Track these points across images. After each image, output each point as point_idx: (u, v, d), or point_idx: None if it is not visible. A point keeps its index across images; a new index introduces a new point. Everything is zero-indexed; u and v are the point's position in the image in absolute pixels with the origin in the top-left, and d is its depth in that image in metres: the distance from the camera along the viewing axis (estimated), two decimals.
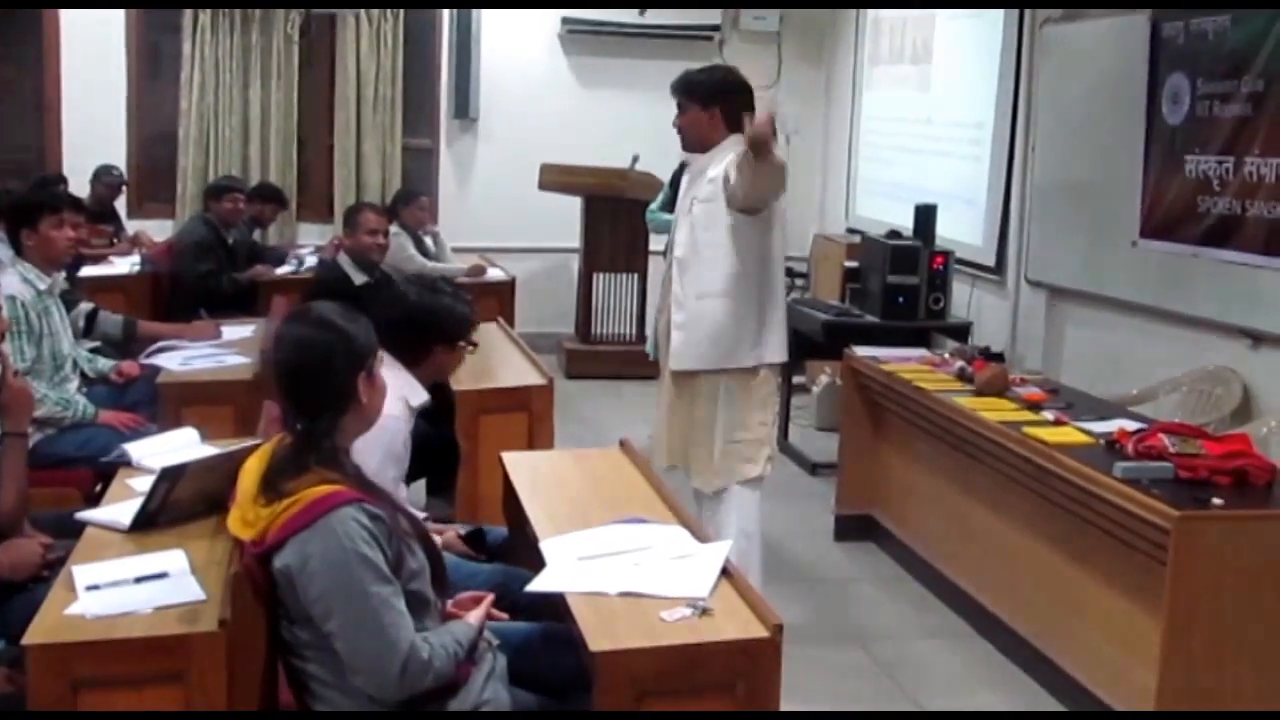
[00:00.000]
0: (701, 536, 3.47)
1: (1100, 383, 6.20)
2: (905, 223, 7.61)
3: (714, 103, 4.82)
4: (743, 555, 4.64)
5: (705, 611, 2.97)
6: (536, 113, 10.57)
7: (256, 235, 9.24)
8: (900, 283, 7.00)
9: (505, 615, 3.20)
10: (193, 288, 8.06)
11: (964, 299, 7.99)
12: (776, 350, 4.92)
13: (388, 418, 3.37)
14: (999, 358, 6.00)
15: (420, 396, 3.92)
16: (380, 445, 3.54)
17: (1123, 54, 6.62)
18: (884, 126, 9.76)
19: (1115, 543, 4.23)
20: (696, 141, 4.90)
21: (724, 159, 4.73)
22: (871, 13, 9.92)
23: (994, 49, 7.99)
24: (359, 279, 6.57)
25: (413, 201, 8.91)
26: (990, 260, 8.01)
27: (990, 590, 5.19)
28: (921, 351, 6.30)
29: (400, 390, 3.74)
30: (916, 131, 9.11)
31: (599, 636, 2.85)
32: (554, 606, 3.16)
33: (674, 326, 4.91)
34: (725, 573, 3.18)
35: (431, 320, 3.97)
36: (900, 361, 6.02)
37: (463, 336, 4.05)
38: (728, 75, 4.98)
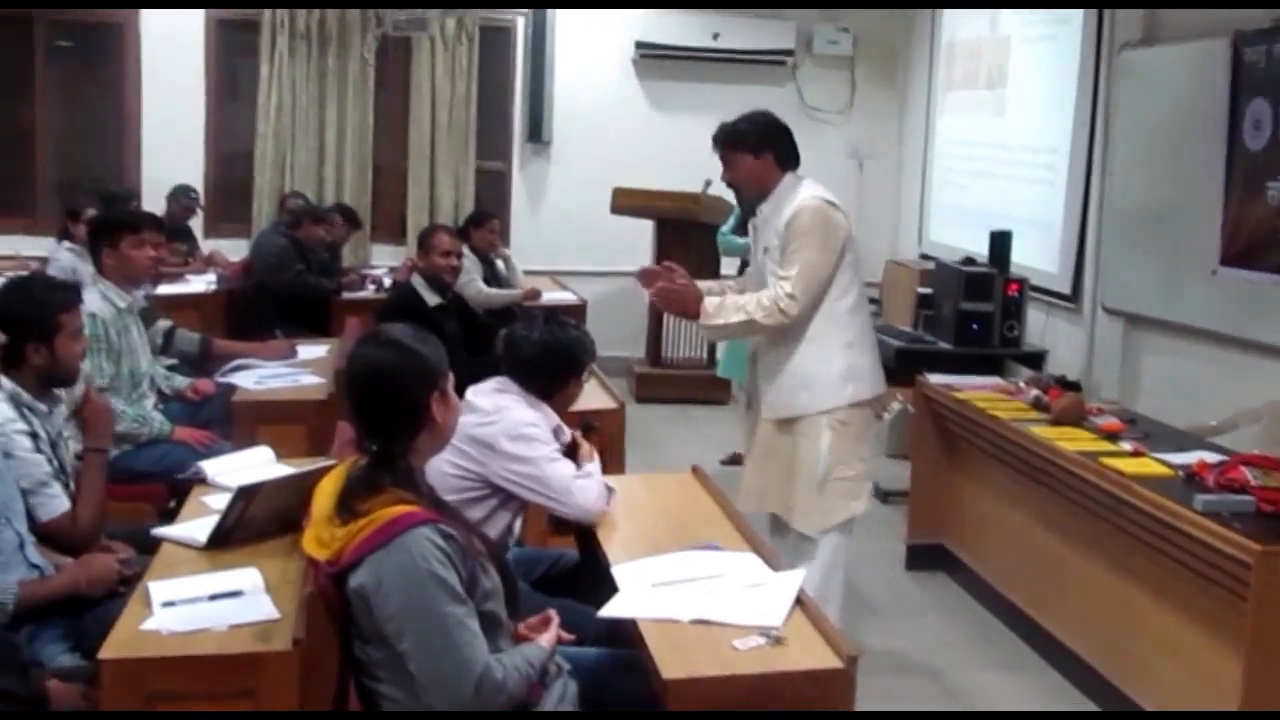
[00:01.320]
0: (774, 565, 3.44)
1: (1178, 413, 6.10)
2: (979, 249, 7.54)
3: (765, 148, 4.74)
4: (827, 592, 4.61)
5: (778, 640, 2.94)
6: (609, 136, 10.60)
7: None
8: (974, 309, 6.94)
9: (573, 637, 3.19)
10: (283, 290, 8.18)
11: (1038, 326, 7.90)
12: (871, 383, 4.82)
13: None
14: (1075, 386, 5.92)
15: (562, 430, 4.05)
16: None
17: (1203, 79, 6.53)
18: (958, 151, 9.70)
19: (1194, 576, 4.16)
20: (754, 190, 4.82)
21: (788, 203, 4.67)
22: (946, 37, 9.87)
23: (1070, 74, 7.92)
24: (432, 300, 6.60)
25: (484, 224, 8.96)
26: (1065, 287, 7.92)
27: (1063, 622, 5.11)
28: (995, 379, 6.23)
29: (550, 423, 3.97)
30: (991, 156, 9.05)
31: (671, 664, 2.83)
32: (625, 632, 3.15)
33: (761, 377, 4.84)
34: (798, 602, 3.15)
35: (566, 355, 4.09)
36: (974, 389, 5.95)
37: (590, 362, 4.19)
38: (769, 117, 4.87)
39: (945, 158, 9.94)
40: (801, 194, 4.67)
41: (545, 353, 4.05)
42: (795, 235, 4.59)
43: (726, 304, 4.72)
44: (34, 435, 3.77)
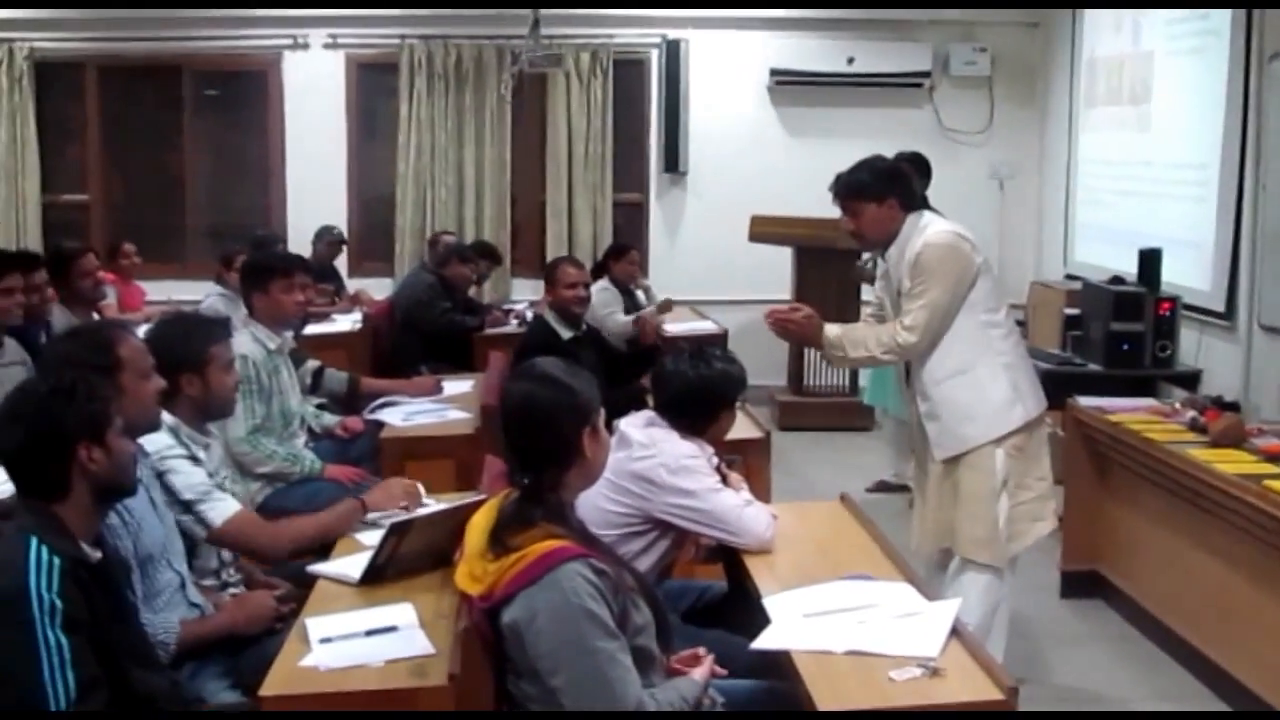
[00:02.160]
0: (929, 594, 3.38)
1: None
2: (1126, 268, 7.38)
3: (888, 194, 4.68)
4: (990, 624, 4.58)
5: (936, 672, 2.89)
6: (745, 164, 10.59)
7: (471, 291, 9.43)
8: (1124, 330, 6.80)
9: (725, 671, 3.16)
10: (430, 329, 8.35)
11: (1191, 346, 7.70)
12: (1033, 402, 4.72)
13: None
14: (1233, 407, 5.76)
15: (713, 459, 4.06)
16: None
17: None
18: (1102, 169, 9.52)
19: None
20: (880, 238, 4.76)
21: (913, 242, 4.62)
22: (1086, 53, 9.70)
23: (1218, 87, 7.72)
24: (566, 334, 6.59)
25: (623, 256, 9.00)
26: (1219, 305, 7.70)
27: (1229, 650, 4.94)
28: (1149, 401, 6.07)
29: (706, 454, 4.00)
30: (1136, 174, 8.85)
31: (826, 696, 2.80)
32: (777, 665, 3.12)
33: (924, 417, 4.74)
34: (955, 632, 3.09)
35: (716, 389, 4.08)
36: (1127, 412, 5.81)
37: (740, 394, 4.18)
38: (887, 163, 4.85)
39: (1089, 176, 9.75)
40: (926, 230, 4.62)
41: (695, 389, 4.05)
42: (920, 271, 4.56)
43: (848, 337, 4.72)
44: (193, 459, 3.85)
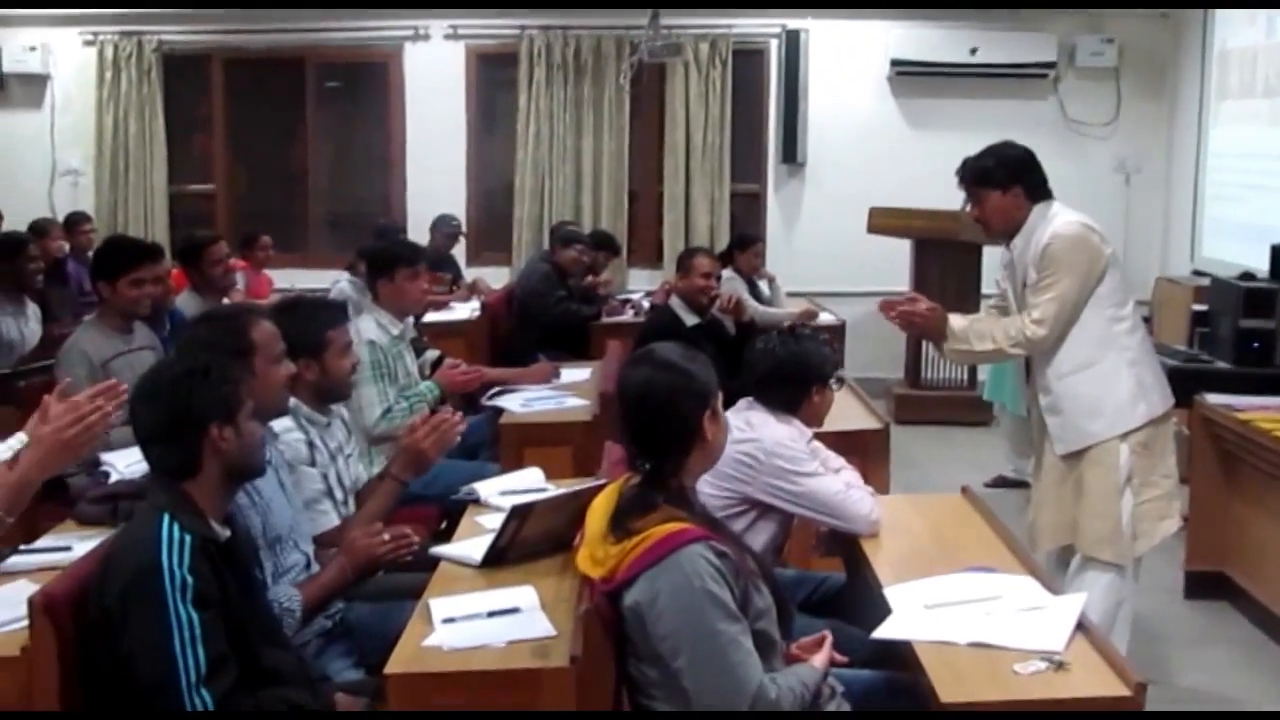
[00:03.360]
0: (1053, 588, 3.33)
1: None
2: (1257, 264, 7.20)
3: (1013, 182, 4.61)
4: (1113, 621, 4.50)
5: (1061, 665, 2.85)
6: (864, 155, 10.51)
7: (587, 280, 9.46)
8: (1255, 327, 6.61)
9: (845, 659, 3.13)
10: (545, 318, 8.39)
11: None
12: (1162, 397, 4.63)
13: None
14: None
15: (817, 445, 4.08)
16: None
17: None
18: (1233, 164, 9.30)
19: None
20: (1005, 228, 4.68)
21: (1040, 232, 4.55)
22: (1218, 45, 9.49)
23: None
24: (690, 321, 6.64)
25: (748, 247, 8.97)
26: None
27: None
28: None
29: (804, 437, 4.00)
30: (1269, 168, 8.63)
31: (949, 688, 2.77)
32: (897, 655, 3.09)
33: (1046, 410, 4.66)
34: (1080, 627, 3.04)
35: (803, 366, 4.07)
36: (1257, 410, 5.67)
37: (832, 374, 4.13)
38: (1016, 150, 4.72)
39: (1218, 170, 9.54)
40: (1054, 221, 4.55)
41: (781, 366, 4.05)
42: (1049, 263, 4.49)
43: (974, 329, 4.64)
44: (310, 445, 3.91)
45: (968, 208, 4.75)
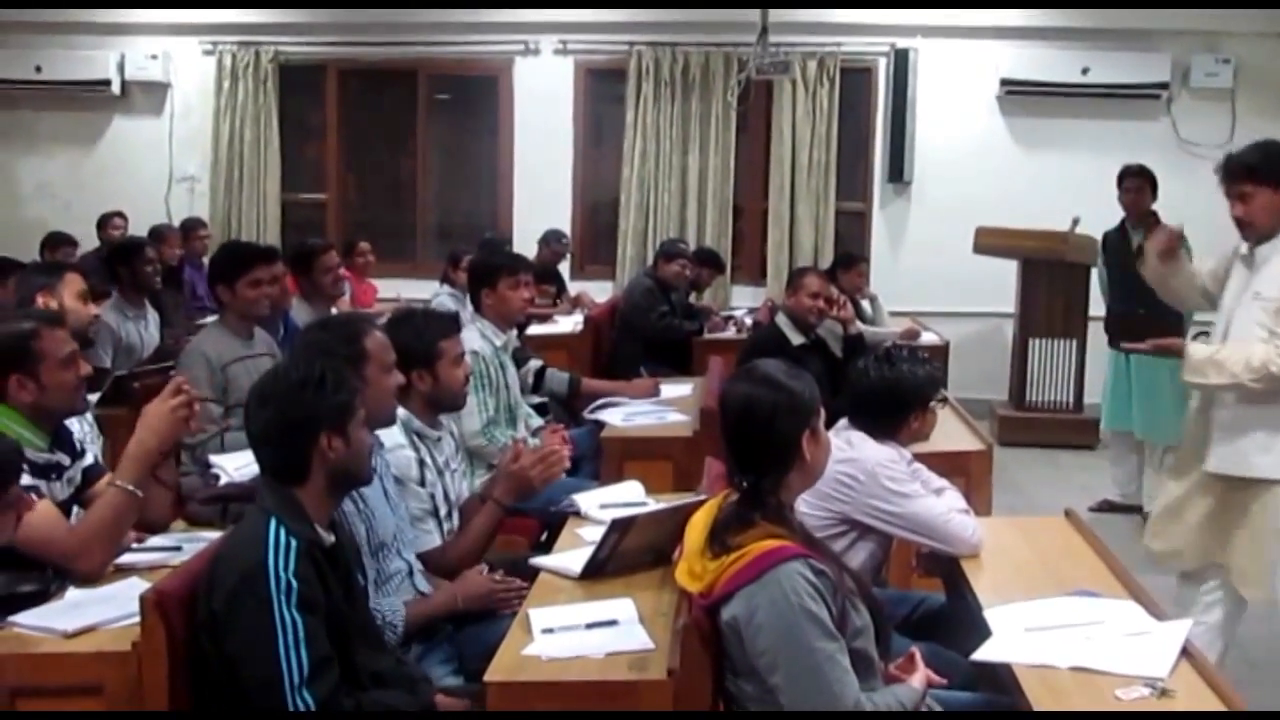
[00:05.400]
0: (1158, 614, 3.29)
1: None
2: None
3: None
4: (1213, 646, 4.44)
5: (1165, 692, 2.81)
6: (972, 174, 10.43)
7: (692, 297, 9.49)
8: None
9: (944, 680, 3.12)
10: (647, 333, 8.46)
11: None
12: None
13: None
14: None
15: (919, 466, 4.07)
16: None
17: None
18: None
19: None
20: (1270, 229, 4.40)
21: None
22: None
23: None
24: (796, 340, 6.62)
25: (853, 266, 8.95)
26: None
27: None
28: None
29: (905, 458, 3.98)
30: None
31: (1048, 710, 2.74)
32: (995, 679, 3.07)
33: (1216, 426, 4.52)
34: (1185, 653, 3.00)
35: (897, 391, 4.04)
36: None
37: (931, 397, 4.10)
38: None
39: None
40: None
41: (876, 391, 4.03)
42: None
43: (1214, 360, 4.39)
44: (421, 463, 3.97)
45: (1231, 206, 4.47)
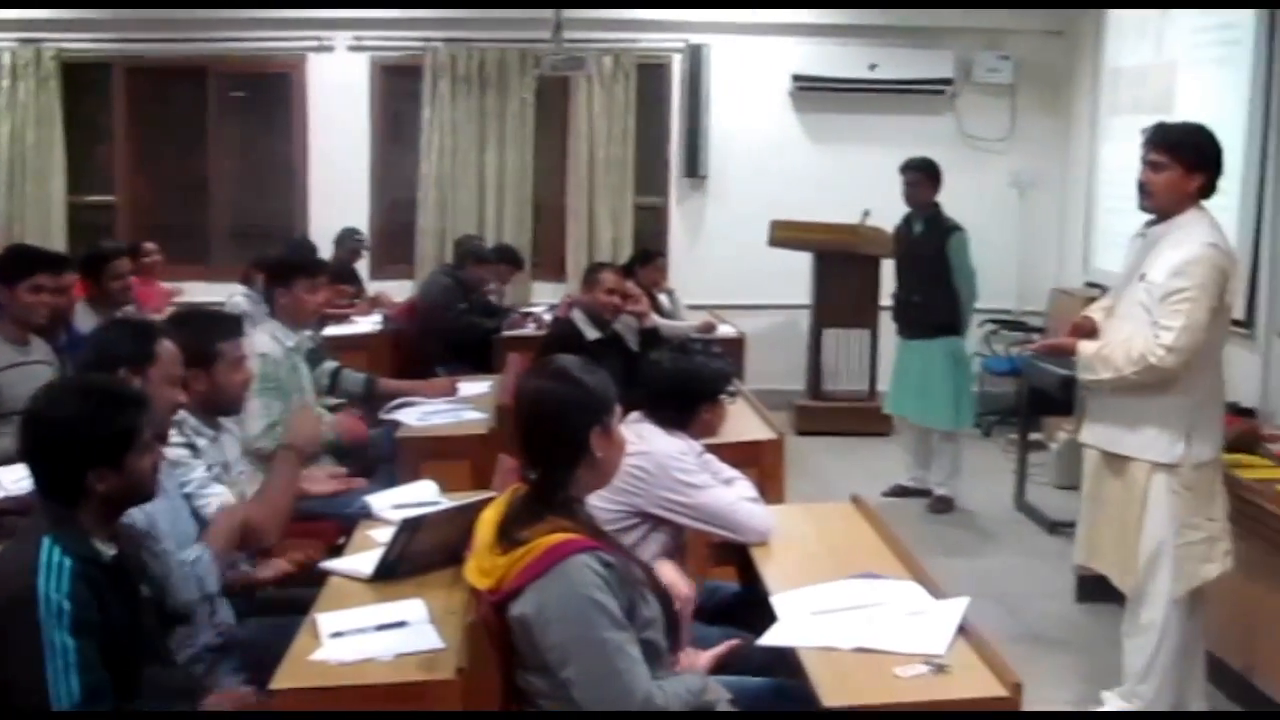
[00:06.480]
0: (936, 593, 3.39)
1: None
2: None
3: (1199, 169, 4.39)
4: (1155, 664, 4.54)
5: (942, 669, 2.91)
6: (766, 169, 10.57)
7: (492, 294, 9.46)
8: None
9: (727, 650, 3.16)
10: (447, 331, 8.44)
11: None
12: (1208, 447, 4.44)
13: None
14: (1249, 413, 5.75)
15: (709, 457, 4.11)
16: None
17: None
18: (1124, 178, 9.41)
19: None
20: (1165, 206, 4.43)
21: (1186, 240, 4.35)
22: (1110, 62, 9.68)
23: (1240, 96, 7.70)
24: (591, 334, 6.67)
25: (650, 262, 9.05)
26: (1239, 313, 7.66)
27: (1246, 657, 4.93)
28: None
29: (695, 450, 4.03)
30: None
31: (832, 692, 2.82)
32: (786, 662, 3.13)
33: (1091, 397, 4.65)
34: (962, 630, 3.11)
35: (690, 382, 4.10)
36: None
37: (721, 390, 4.16)
38: (1215, 139, 4.47)
39: (1110, 184, 9.71)
40: (1203, 236, 4.36)
41: (671, 382, 4.09)
42: (1188, 284, 4.28)
43: (1099, 355, 4.46)
44: (191, 447, 3.88)
45: (1141, 171, 4.50)
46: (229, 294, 8.36)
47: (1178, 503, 4.40)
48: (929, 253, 7.66)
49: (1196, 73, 8.34)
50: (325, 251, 9.31)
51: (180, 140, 11.04)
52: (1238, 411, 5.62)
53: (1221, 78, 7.99)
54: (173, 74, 10.89)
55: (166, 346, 3.64)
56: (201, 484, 3.81)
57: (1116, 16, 9.50)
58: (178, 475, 3.71)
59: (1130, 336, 4.39)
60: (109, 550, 2.92)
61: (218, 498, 3.82)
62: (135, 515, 3.24)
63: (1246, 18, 7.61)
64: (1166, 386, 4.34)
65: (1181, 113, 8.33)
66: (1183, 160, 4.38)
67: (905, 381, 7.88)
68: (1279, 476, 4.75)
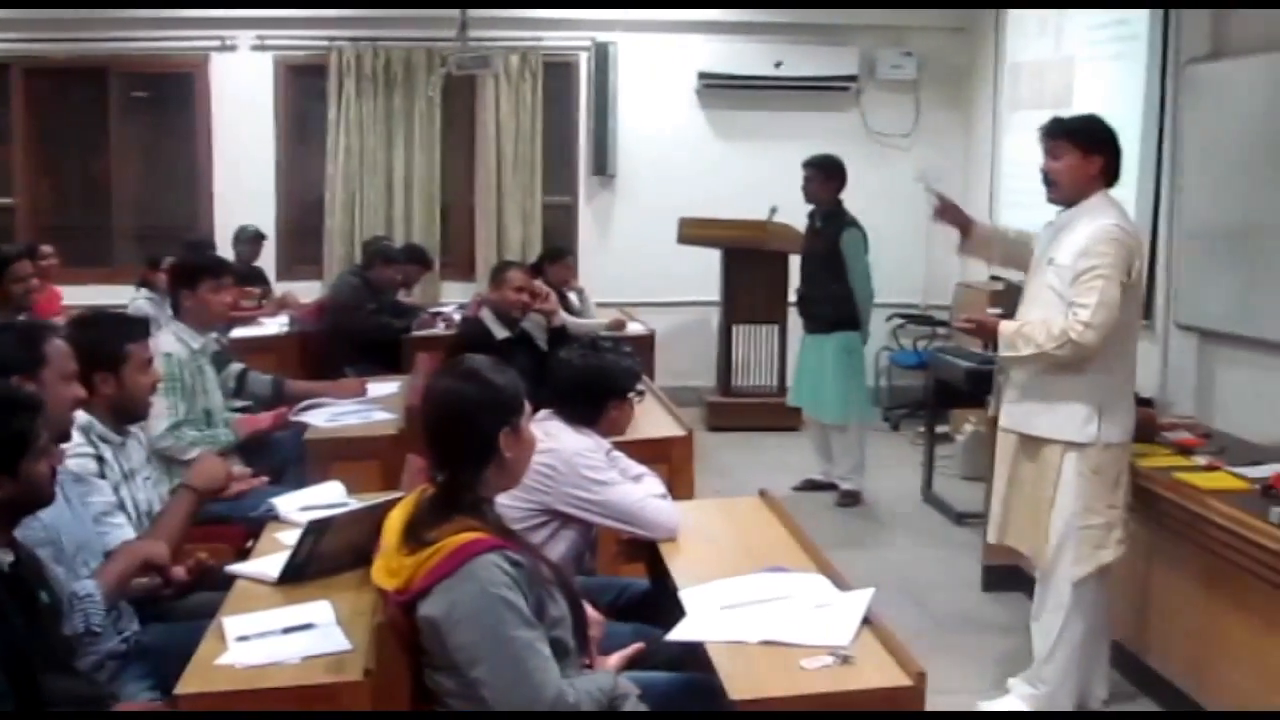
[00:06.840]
0: (842, 585, 3.43)
1: (1255, 428, 6.01)
2: None
3: (1096, 150, 4.53)
4: (1060, 641, 4.63)
5: (847, 659, 2.95)
6: (674, 167, 10.62)
7: (401, 294, 9.42)
8: None
9: (639, 650, 3.19)
10: (356, 332, 8.39)
11: None
12: (1118, 430, 4.57)
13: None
14: (1147, 403, 5.85)
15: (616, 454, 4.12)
16: None
17: (1274, 92, 6.45)
18: (1025, 171, 9.54)
19: (1270, 588, 4.10)
20: (1071, 191, 4.56)
21: (1092, 221, 4.46)
22: (1010, 58, 9.81)
23: (1136, 91, 7.84)
24: (500, 334, 6.66)
25: (559, 260, 9.06)
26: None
27: (1142, 640, 5.04)
28: None
29: (602, 448, 4.05)
30: None
31: (739, 685, 2.84)
32: (696, 657, 3.15)
33: (1010, 385, 4.71)
34: (867, 621, 3.15)
35: (599, 379, 4.13)
36: None
37: (630, 388, 4.19)
38: (1108, 126, 4.61)
39: (1012, 178, 9.84)
40: (1107, 218, 4.46)
41: (579, 379, 4.12)
42: (1097, 263, 4.38)
43: (1020, 333, 4.52)
44: (100, 460, 3.83)
45: (1044, 161, 4.64)
46: (130, 296, 8.27)
47: (1084, 486, 4.52)
48: (824, 249, 7.74)
49: (1094, 68, 8.48)
50: (228, 253, 9.22)
51: (81, 141, 10.88)
52: (1137, 401, 5.70)
53: (1118, 72, 8.12)
54: (73, 74, 10.72)
55: (56, 345, 3.57)
56: (105, 510, 3.73)
57: (1016, 14, 9.62)
58: (81, 491, 3.65)
59: (1047, 317, 4.49)
60: (7, 558, 2.87)
61: (119, 530, 3.71)
62: (35, 526, 3.19)
63: (1141, 15, 7.75)
64: (1081, 366, 4.46)
65: (1080, 106, 8.47)
66: (1079, 144, 4.53)
67: (803, 376, 7.98)
68: (1175, 464, 4.83)
